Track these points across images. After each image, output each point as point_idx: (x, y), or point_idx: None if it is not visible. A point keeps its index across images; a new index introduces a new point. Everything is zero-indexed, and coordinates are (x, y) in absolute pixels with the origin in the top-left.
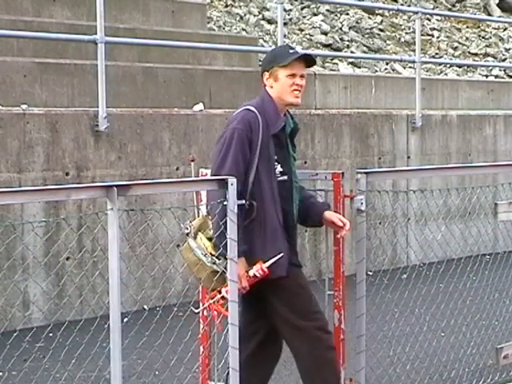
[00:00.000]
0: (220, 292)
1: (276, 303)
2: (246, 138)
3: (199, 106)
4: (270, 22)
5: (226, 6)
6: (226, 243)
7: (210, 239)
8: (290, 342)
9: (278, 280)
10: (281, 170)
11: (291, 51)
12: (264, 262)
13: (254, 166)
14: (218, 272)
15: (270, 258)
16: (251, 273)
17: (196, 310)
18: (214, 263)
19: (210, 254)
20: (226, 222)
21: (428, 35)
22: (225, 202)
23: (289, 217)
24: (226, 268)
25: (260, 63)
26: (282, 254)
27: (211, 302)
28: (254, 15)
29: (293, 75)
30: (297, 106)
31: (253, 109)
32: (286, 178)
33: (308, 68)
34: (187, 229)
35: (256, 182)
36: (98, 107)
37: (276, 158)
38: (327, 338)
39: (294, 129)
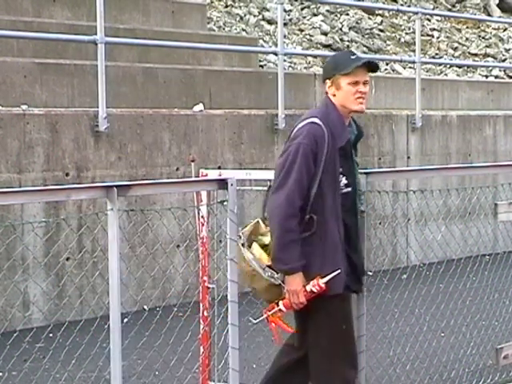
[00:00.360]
0: (278, 304)
1: (313, 322)
2: (311, 152)
3: (199, 107)
4: (270, 22)
5: (226, 7)
6: (288, 258)
7: (262, 246)
8: (312, 361)
9: (324, 301)
10: (345, 182)
11: (353, 57)
12: (322, 278)
13: (317, 180)
14: (275, 284)
15: (329, 273)
16: (308, 288)
17: (255, 321)
18: (273, 277)
19: (268, 266)
20: (291, 233)
21: (428, 35)
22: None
23: (351, 230)
24: (283, 281)
25: (322, 70)
26: (339, 271)
27: (269, 314)
28: (254, 15)
29: (356, 83)
30: (361, 113)
31: (318, 121)
32: (350, 189)
33: (371, 73)
34: (239, 237)
35: (318, 196)
36: (98, 107)
37: (341, 170)
38: (349, 374)
39: (358, 135)
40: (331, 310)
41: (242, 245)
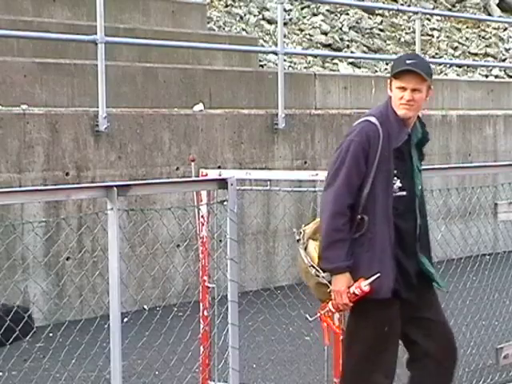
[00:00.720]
0: (328, 304)
1: (353, 322)
2: (362, 151)
3: (199, 106)
4: (270, 22)
5: (226, 6)
6: (334, 256)
7: None
8: (344, 362)
9: (368, 303)
10: (400, 185)
11: (408, 61)
12: (365, 280)
13: (370, 180)
14: (323, 283)
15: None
16: (351, 290)
17: (310, 319)
18: (318, 275)
19: (318, 265)
20: (338, 232)
21: (428, 35)
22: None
23: (406, 235)
24: (330, 282)
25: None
26: (378, 274)
27: (322, 312)
28: (254, 15)
29: (402, 88)
30: (408, 120)
31: (374, 120)
32: (404, 193)
33: (424, 82)
34: (299, 234)
35: (370, 197)
36: (98, 107)
37: (396, 172)
38: (379, 381)
39: (422, 138)
40: (373, 313)
41: (298, 241)
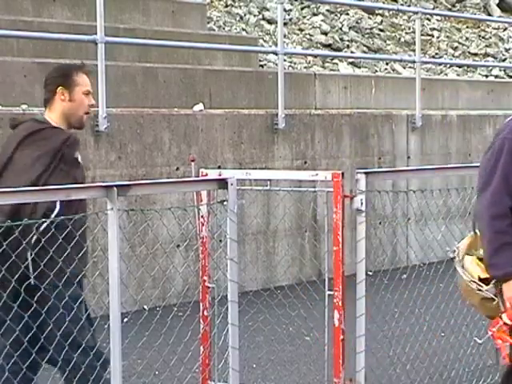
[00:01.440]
0: (501, 318)
1: None
2: None
3: (199, 106)
4: (270, 22)
5: (226, 6)
6: (503, 262)
7: (480, 259)
8: None
9: None
10: None
11: None
12: None
13: None
14: (488, 298)
15: None
16: None
17: (480, 341)
18: (480, 290)
19: (478, 278)
20: (503, 235)
21: (428, 35)
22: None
23: None
24: (496, 295)
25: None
26: None
27: (494, 329)
28: (254, 15)
29: None
30: None
31: None
32: None
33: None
34: (454, 252)
35: None
36: (97, 107)
37: None
38: None
39: None
40: None
41: (453, 259)
